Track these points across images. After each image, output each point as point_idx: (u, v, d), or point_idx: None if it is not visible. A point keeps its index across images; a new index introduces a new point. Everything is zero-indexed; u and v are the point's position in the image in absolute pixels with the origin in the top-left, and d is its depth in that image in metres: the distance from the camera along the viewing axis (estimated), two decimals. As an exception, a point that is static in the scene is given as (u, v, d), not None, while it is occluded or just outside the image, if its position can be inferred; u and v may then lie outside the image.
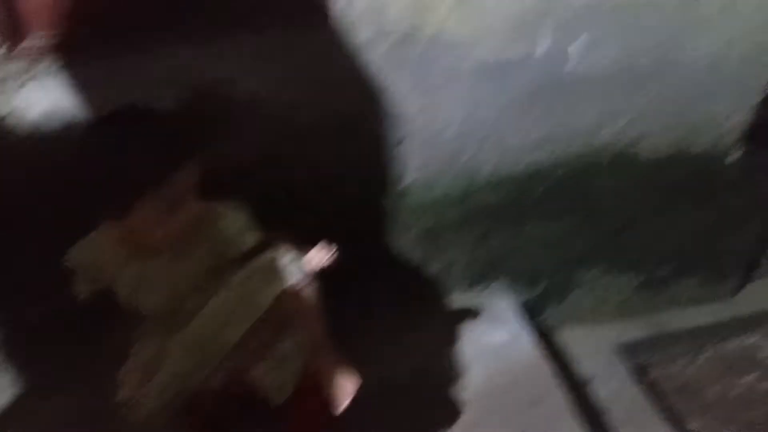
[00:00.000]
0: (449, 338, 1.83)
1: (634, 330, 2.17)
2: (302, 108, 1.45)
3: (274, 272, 1.11)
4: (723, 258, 2.18)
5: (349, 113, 1.50)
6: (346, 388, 1.26)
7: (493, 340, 1.82)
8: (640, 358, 2.16)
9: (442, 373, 1.73)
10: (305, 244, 1.26)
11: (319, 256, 1.26)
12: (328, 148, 1.53)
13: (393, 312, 1.76)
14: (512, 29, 1.49)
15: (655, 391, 2.08)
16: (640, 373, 2.11)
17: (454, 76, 1.52)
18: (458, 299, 1.93)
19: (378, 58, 1.45)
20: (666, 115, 1.75)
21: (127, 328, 1.17)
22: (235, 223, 1.14)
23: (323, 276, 1.26)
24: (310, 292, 1.18)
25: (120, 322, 1.15)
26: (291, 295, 1.12)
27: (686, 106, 1.74)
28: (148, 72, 1.33)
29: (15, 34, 1.28)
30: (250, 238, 1.16)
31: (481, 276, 1.93)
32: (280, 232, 1.27)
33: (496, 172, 1.71)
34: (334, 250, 1.27)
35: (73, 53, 1.31)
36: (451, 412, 1.62)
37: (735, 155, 1.88)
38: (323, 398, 1.24)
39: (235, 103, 1.41)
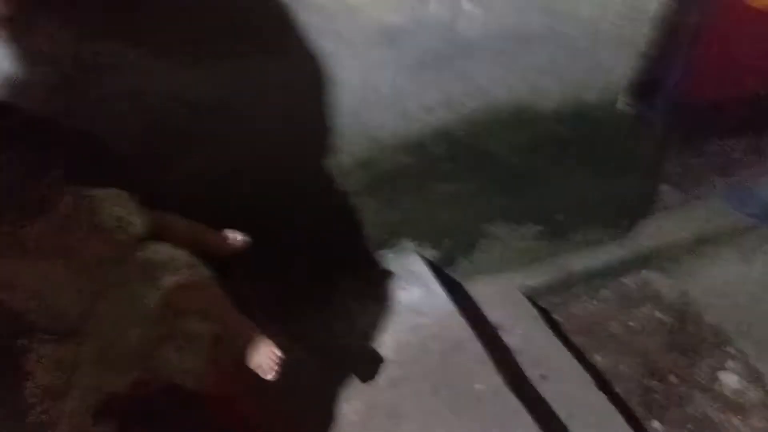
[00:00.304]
0: (365, 299, 1.87)
1: (538, 275, 2.28)
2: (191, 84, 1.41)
3: (156, 269, 1.07)
4: (616, 202, 2.31)
5: (245, 81, 1.47)
6: (270, 359, 1.24)
7: (408, 298, 1.88)
8: (545, 301, 2.28)
9: (362, 333, 1.77)
10: (211, 227, 1.24)
11: (228, 240, 1.24)
12: (230, 119, 1.49)
13: (307, 278, 1.78)
14: (404, -9, 1.50)
15: (560, 331, 2.21)
16: (546, 315, 2.23)
17: (347, 41, 1.51)
18: (370, 261, 1.97)
19: (269, 25, 1.42)
20: (556, 72, 1.81)
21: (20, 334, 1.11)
22: (121, 209, 1.10)
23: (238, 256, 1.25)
24: (206, 279, 1.15)
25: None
26: (184, 286, 1.09)
27: (574, 63, 1.81)
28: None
29: None
30: (140, 222, 1.12)
31: (390, 237, 1.96)
32: (175, 214, 1.25)
33: (398, 135, 1.72)
34: (243, 235, 1.25)
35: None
36: (374, 370, 1.67)
37: (621, 106, 1.98)
38: (245, 375, 1.24)
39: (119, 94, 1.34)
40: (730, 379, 2.12)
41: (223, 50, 1.41)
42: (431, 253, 2.06)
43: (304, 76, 1.53)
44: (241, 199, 1.51)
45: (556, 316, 2.29)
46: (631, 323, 2.29)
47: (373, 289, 1.88)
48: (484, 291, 2.17)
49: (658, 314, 2.32)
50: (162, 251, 1.10)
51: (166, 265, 1.09)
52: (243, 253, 1.27)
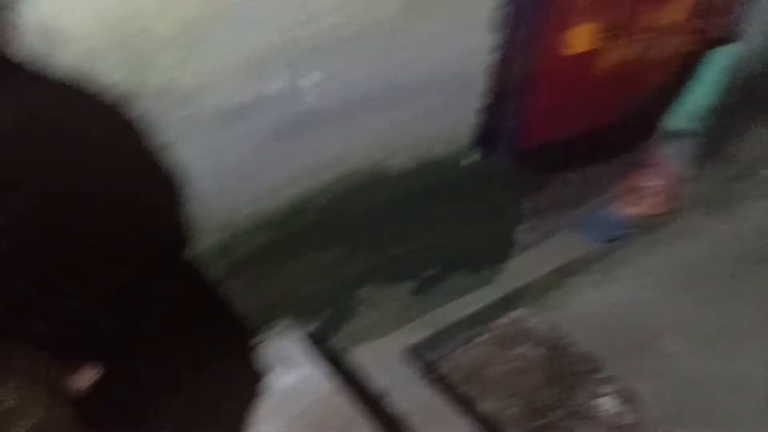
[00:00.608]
0: (242, 390, 1.76)
1: (416, 332, 2.27)
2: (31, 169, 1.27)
3: (4, 417, 0.95)
4: (480, 247, 2.37)
5: (92, 178, 1.35)
6: None
7: (287, 382, 1.79)
8: (426, 357, 2.28)
9: (236, 427, 1.66)
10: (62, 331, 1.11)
11: (81, 378, 1.12)
12: (73, 211, 1.36)
13: (174, 373, 1.65)
14: (244, 71, 1.44)
15: (447, 383, 2.21)
16: (429, 371, 2.22)
17: (191, 125, 1.43)
18: (243, 347, 1.86)
19: (103, 116, 1.32)
20: (405, 131, 1.83)
21: None
22: None
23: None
24: (62, 419, 1.03)
25: None
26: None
27: (421, 120, 1.84)
28: None
29: None
30: None
31: (264, 317, 1.87)
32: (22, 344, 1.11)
33: (257, 215, 1.66)
34: (98, 369, 1.14)
35: None
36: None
37: (470, 156, 2.03)
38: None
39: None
40: (608, 404, 2.20)
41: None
42: (310, 328, 1.99)
43: (151, 174, 1.43)
44: (101, 294, 1.39)
45: (441, 369, 2.29)
46: (510, 364, 2.34)
47: (251, 377, 1.77)
48: (367, 358, 2.13)
49: (533, 351, 2.39)
50: (10, 398, 0.97)
51: (14, 412, 0.97)
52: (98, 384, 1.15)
